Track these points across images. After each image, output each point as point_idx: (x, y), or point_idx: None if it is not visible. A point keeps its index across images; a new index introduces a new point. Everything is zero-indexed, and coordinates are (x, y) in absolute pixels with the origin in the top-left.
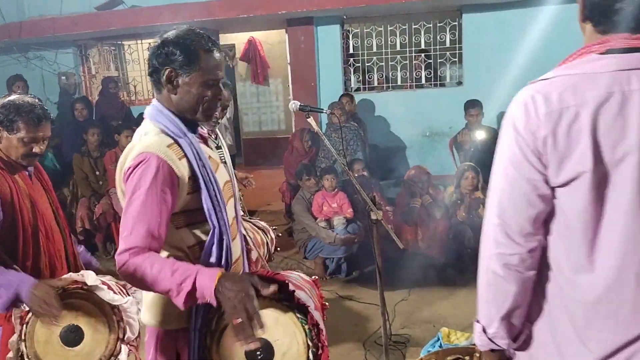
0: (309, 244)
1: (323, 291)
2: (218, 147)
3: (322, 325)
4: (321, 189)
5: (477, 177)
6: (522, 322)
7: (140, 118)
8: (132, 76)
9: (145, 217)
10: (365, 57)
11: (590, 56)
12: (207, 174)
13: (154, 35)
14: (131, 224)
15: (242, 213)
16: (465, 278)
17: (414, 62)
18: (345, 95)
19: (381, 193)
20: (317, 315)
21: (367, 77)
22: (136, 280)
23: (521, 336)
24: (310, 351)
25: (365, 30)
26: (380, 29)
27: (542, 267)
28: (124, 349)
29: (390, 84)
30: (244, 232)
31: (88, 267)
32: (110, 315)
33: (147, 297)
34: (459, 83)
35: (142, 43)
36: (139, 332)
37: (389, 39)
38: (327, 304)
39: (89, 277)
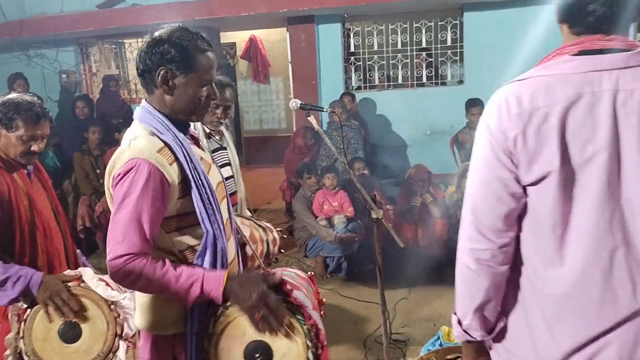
0: (310, 243)
1: (324, 289)
2: (223, 148)
3: (320, 326)
4: (322, 188)
5: None
6: (495, 315)
7: None
8: (133, 74)
9: (137, 223)
10: (366, 56)
11: (563, 57)
12: (199, 176)
13: None
14: (122, 231)
15: (248, 213)
16: None
17: (415, 60)
18: (346, 93)
19: (382, 192)
20: (315, 315)
21: (368, 76)
22: (135, 285)
23: (496, 328)
24: (309, 351)
25: (366, 29)
26: (382, 27)
27: (516, 262)
28: (122, 345)
29: (391, 83)
30: (240, 226)
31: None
32: (108, 312)
33: (142, 303)
34: (460, 82)
35: (143, 41)
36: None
37: (390, 38)
38: (324, 299)
39: (87, 274)
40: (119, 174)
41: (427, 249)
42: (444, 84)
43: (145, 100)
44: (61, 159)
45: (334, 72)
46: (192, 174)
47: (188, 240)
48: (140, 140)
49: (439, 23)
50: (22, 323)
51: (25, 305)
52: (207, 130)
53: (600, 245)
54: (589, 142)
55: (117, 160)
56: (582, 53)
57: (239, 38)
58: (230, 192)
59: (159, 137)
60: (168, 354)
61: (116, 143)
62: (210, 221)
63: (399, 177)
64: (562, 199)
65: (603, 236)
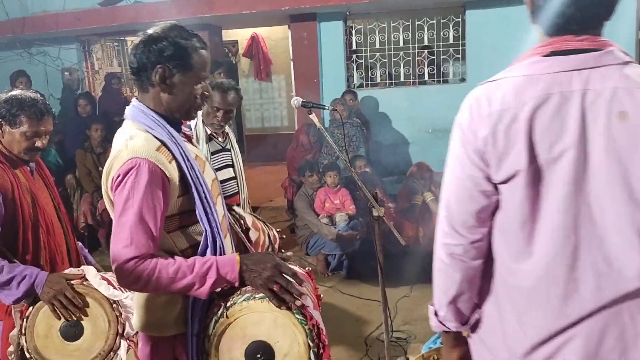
0: (311, 241)
1: (325, 287)
2: (226, 150)
3: (322, 325)
4: (323, 186)
5: None
6: (470, 307)
7: None
8: None
9: (143, 224)
10: (368, 54)
11: (534, 58)
12: (196, 175)
13: None
14: (129, 234)
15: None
16: None
17: (417, 58)
18: (348, 91)
19: (383, 189)
20: (316, 315)
21: (370, 74)
22: (148, 286)
23: (470, 320)
24: (311, 351)
25: (368, 27)
26: (384, 25)
27: (489, 256)
28: (123, 344)
29: (393, 81)
30: (242, 213)
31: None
32: (110, 311)
33: (141, 305)
34: (462, 79)
35: (137, 39)
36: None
37: (392, 35)
38: (322, 295)
39: (90, 272)
40: (118, 175)
41: (428, 247)
42: (445, 81)
43: (137, 99)
44: (63, 156)
45: (336, 70)
46: (189, 173)
47: (189, 238)
48: (137, 140)
49: (441, 21)
50: (25, 320)
51: (27, 303)
52: (209, 132)
53: (565, 241)
54: (557, 141)
55: (115, 161)
56: (553, 54)
57: (241, 36)
58: (232, 193)
59: (154, 136)
60: (168, 355)
61: None
62: (208, 219)
63: (400, 175)
64: (530, 197)
65: (568, 232)
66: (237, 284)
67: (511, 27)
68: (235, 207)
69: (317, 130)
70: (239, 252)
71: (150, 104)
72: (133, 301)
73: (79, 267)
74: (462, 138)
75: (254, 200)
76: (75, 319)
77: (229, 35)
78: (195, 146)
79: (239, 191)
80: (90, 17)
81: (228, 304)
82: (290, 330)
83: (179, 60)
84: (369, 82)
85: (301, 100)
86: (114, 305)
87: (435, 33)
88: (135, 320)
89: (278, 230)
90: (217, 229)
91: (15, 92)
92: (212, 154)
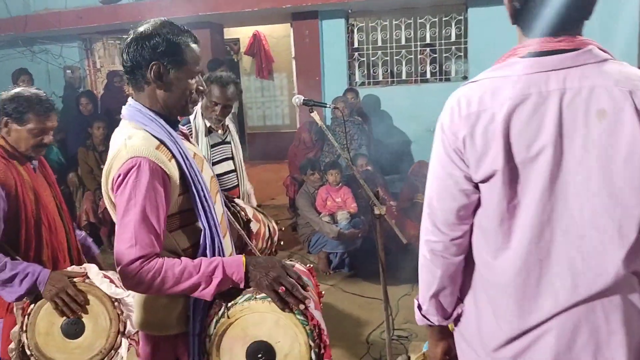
0: (313, 239)
1: (327, 285)
2: (226, 142)
3: (323, 325)
4: (325, 184)
5: None
6: (451, 302)
7: None
8: None
9: (147, 224)
10: (370, 52)
11: (512, 59)
12: (195, 173)
13: None
14: (133, 234)
15: (255, 203)
16: None
17: (419, 56)
18: (350, 90)
19: (385, 188)
20: (317, 315)
21: (371, 72)
22: (153, 287)
23: (453, 314)
24: (312, 351)
25: (370, 25)
26: (386, 23)
27: (471, 252)
28: (125, 342)
29: (395, 79)
30: (242, 204)
31: (88, 252)
32: (111, 309)
33: (142, 304)
34: (465, 78)
35: (127, 38)
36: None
37: (394, 33)
38: (323, 292)
39: (92, 270)
40: (119, 175)
41: None
42: (448, 80)
43: (132, 98)
44: (65, 154)
45: (338, 68)
46: (188, 171)
47: (190, 237)
48: (136, 139)
49: (443, 19)
50: (26, 317)
51: (28, 300)
52: (208, 125)
53: (540, 237)
54: (534, 140)
55: (115, 161)
56: (531, 55)
57: (243, 34)
58: (232, 186)
59: (153, 135)
60: (170, 354)
61: None
62: (206, 218)
63: (402, 173)
64: (507, 195)
65: (544, 228)
66: (242, 285)
67: (513, 25)
68: (236, 199)
69: (318, 128)
70: (239, 250)
71: (146, 102)
72: (133, 300)
73: (81, 265)
74: (443, 138)
75: (256, 198)
76: (77, 316)
77: (230, 33)
78: (193, 144)
79: (238, 184)
80: (92, 15)
81: (229, 304)
82: (291, 330)
83: (173, 56)
84: (371, 80)
85: (302, 98)
86: (116, 304)
87: (437, 31)
88: (135, 319)
89: (277, 222)
90: (216, 227)
91: (19, 89)
92: (212, 146)
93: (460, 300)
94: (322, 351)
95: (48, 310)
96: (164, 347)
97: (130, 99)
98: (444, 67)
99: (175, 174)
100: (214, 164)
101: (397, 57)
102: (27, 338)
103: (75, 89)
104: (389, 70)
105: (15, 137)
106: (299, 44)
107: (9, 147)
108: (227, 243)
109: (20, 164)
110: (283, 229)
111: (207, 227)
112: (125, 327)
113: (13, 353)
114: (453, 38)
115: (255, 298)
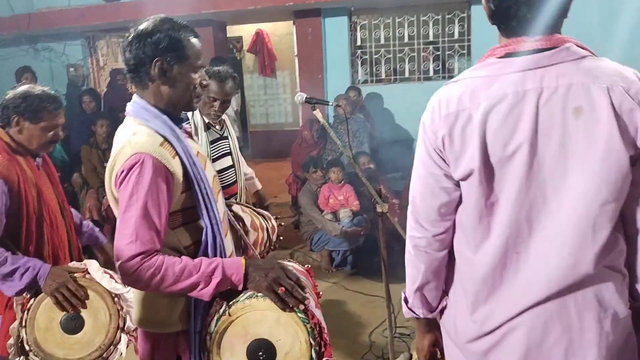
0: (315, 237)
1: (329, 283)
2: (224, 138)
3: (323, 324)
4: (327, 182)
5: None
6: (436, 296)
7: None
8: None
9: (148, 220)
10: (373, 49)
11: (490, 60)
12: (198, 171)
13: None
14: (134, 229)
15: (260, 186)
16: None
17: (422, 54)
18: (352, 87)
19: (387, 186)
20: (318, 314)
21: (374, 70)
22: (151, 284)
23: (439, 307)
24: (312, 350)
25: (373, 22)
26: (388, 20)
27: (452, 247)
28: (124, 338)
29: (398, 77)
30: (241, 214)
31: (96, 242)
32: (111, 304)
33: (142, 301)
34: None
35: (128, 36)
36: None
37: (397, 31)
38: (321, 292)
39: (92, 266)
40: (122, 171)
41: None
42: (451, 77)
43: (138, 95)
44: (69, 152)
45: (341, 66)
46: (192, 169)
47: (192, 235)
48: (141, 135)
49: (447, 16)
50: (26, 312)
51: (28, 295)
52: (207, 121)
53: (518, 233)
54: (510, 140)
55: (118, 157)
56: (508, 55)
57: (246, 32)
58: (231, 182)
59: (157, 132)
60: (171, 351)
61: None
62: (209, 216)
63: (404, 171)
64: (485, 193)
65: (521, 224)
66: (240, 287)
67: (492, 25)
68: (233, 207)
69: (320, 126)
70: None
71: (150, 99)
72: (133, 297)
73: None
74: (424, 137)
75: None
76: (77, 311)
77: (233, 31)
78: (196, 142)
79: (237, 179)
80: (95, 13)
81: (230, 302)
82: (292, 328)
83: (175, 52)
84: (374, 78)
85: (305, 96)
86: (116, 299)
87: (440, 29)
88: (135, 316)
89: (276, 217)
90: (218, 226)
91: (26, 87)
92: (211, 142)
93: (445, 293)
94: (323, 349)
95: (48, 305)
96: (164, 344)
97: (135, 96)
98: (447, 64)
99: (178, 171)
100: (213, 160)
101: (400, 55)
102: (26, 333)
103: (78, 87)
104: (391, 68)
105: (27, 135)
106: (302, 42)
107: (13, 143)
108: (229, 243)
109: (24, 160)
110: (283, 224)
111: (209, 225)
112: (124, 323)
113: (12, 349)
114: (456, 36)
115: (257, 296)
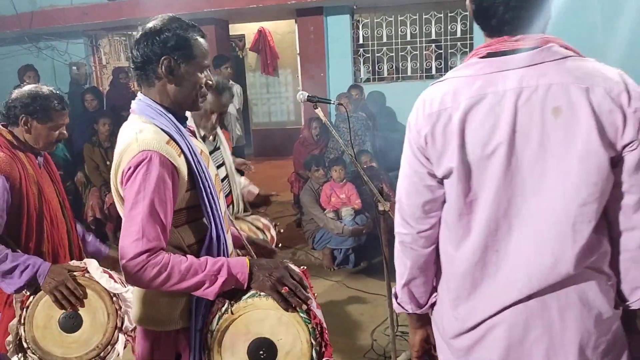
0: (317, 235)
1: (331, 282)
2: (217, 149)
3: (324, 324)
4: (329, 180)
5: None
6: (424, 291)
7: None
8: None
9: (155, 217)
10: (375, 48)
11: (472, 60)
12: (203, 170)
13: None
14: (140, 227)
15: (256, 191)
16: None
17: (424, 52)
18: (354, 86)
19: (389, 184)
20: (319, 314)
21: (376, 68)
22: (156, 281)
23: (428, 303)
24: (313, 349)
25: (375, 21)
26: (391, 19)
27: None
28: (121, 338)
29: (400, 75)
30: (240, 232)
31: (97, 256)
32: (109, 304)
33: (143, 299)
34: None
35: (136, 34)
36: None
37: (399, 29)
38: (315, 294)
39: (92, 265)
40: (129, 168)
41: None
42: None
43: (141, 93)
44: (71, 150)
45: (343, 64)
46: (196, 168)
47: (196, 233)
48: (147, 133)
49: (449, 14)
50: (25, 310)
51: (28, 293)
52: (202, 134)
53: (496, 232)
54: (490, 139)
55: (125, 154)
56: (490, 55)
57: (248, 30)
58: (227, 193)
59: (162, 130)
60: (170, 349)
61: None
62: (213, 215)
63: None
64: (464, 192)
65: (500, 223)
66: (244, 286)
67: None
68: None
69: (322, 124)
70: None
71: (156, 97)
72: (133, 295)
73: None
74: (409, 136)
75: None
76: (76, 310)
77: (235, 29)
78: (200, 141)
79: (231, 190)
80: (97, 12)
81: (233, 301)
82: (293, 328)
83: (183, 50)
84: (376, 77)
85: (306, 94)
86: (114, 299)
87: (442, 27)
88: (135, 314)
89: (275, 224)
90: (221, 224)
91: (32, 87)
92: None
93: (435, 289)
94: (323, 350)
95: (47, 303)
96: (164, 342)
97: (139, 94)
98: (449, 63)
99: (184, 169)
100: None
101: (402, 53)
102: (24, 331)
103: (80, 86)
104: (394, 67)
105: (35, 134)
106: (304, 40)
107: (15, 140)
108: (229, 240)
109: (26, 157)
110: (282, 230)
111: (213, 224)
112: (122, 323)
113: (10, 346)
114: (458, 34)
115: (259, 295)
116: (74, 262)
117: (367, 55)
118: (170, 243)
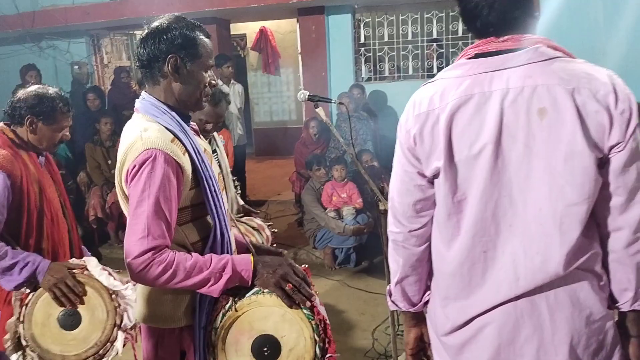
0: (319, 234)
1: (332, 281)
2: (213, 151)
3: (328, 321)
4: (331, 179)
5: None
6: (416, 289)
7: None
8: None
9: (160, 216)
10: (377, 47)
11: (460, 60)
12: (207, 168)
13: None
14: (145, 225)
15: (241, 201)
16: None
17: (425, 51)
18: (355, 85)
19: None
20: (323, 311)
21: (378, 67)
22: (161, 279)
23: (421, 301)
24: (317, 346)
25: (376, 20)
26: (392, 18)
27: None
28: (120, 335)
29: (401, 74)
30: (245, 237)
31: None
32: (108, 301)
33: (147, 297)
34: None
35: (142, 33)
36: (136, 322)
37: (401, 29)
38: (317, 292)
39: (91, 263)
40: (134, 166)
41: None
42: None
43: (146, 92)
44: (73, 150)
45: (344, 64)
46: (200, 166)
47: (200, 231)
48: (152, 131)
49: (450, 13)
50: (24, 307)
51: (28, 290)
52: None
53: (484, 232)
54: (476, 139)
55: (129, 153)
56: (477, 56)
57: (250, 29)
58: None
59: (167, 128)
60: (175, 347)
61: None
62: (217, 212)
63: None
64: (451, 192)
65: (487, 223)
66: (249, 283)
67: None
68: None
69: (323, 124)
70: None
71: (160, 96)
72: (137, 293)
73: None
74: (400, 137)
75: (262, 194)
76: (75, 307)
77: (237, 28)
78: (203, 140)
79: (226, 192)
80: (99, 11)
81: (236, 298)
82: (297, 325)
83: (189, 49)
84: (377, 76)
85: (307, 93)
86: (113, 296)
87: (444, 26)
88: (139, 312)
89: (269, 224)
90: (225, 222)
91: (37, 87)
92: None
93: (429, 288)
94: (327, 346)
95: (46, 301)
96: (169, 340)
97: (143, 93)
98: (450, 62)
99: (188, 167)
100: None
101: (403, 53)
102: (23, 329)
103: (82, 85)
104: (395, 66)
105: (39, 135)
106: (306, 40)
107: (18, 139)
108: (232, 238)
109: (27, 156)
110: (276, 230)
111: (217, 221)
112: (121, 320)
113: (8, 343)
114: (460, 33)
115: (263, 292)
116: (74, 260)
117: (369, 54)
118: (175, 241)
